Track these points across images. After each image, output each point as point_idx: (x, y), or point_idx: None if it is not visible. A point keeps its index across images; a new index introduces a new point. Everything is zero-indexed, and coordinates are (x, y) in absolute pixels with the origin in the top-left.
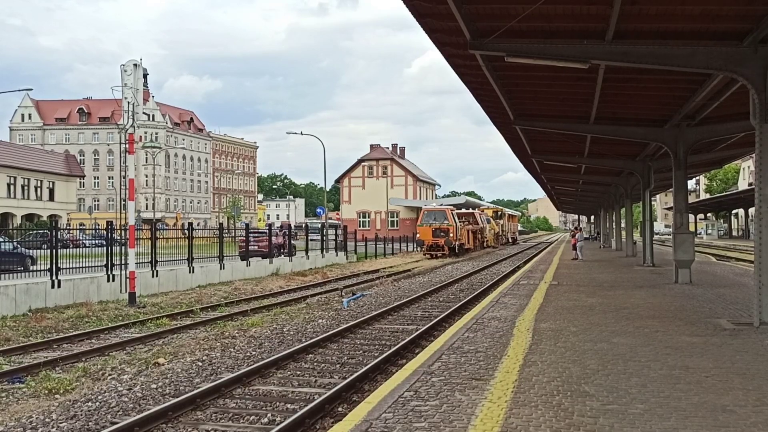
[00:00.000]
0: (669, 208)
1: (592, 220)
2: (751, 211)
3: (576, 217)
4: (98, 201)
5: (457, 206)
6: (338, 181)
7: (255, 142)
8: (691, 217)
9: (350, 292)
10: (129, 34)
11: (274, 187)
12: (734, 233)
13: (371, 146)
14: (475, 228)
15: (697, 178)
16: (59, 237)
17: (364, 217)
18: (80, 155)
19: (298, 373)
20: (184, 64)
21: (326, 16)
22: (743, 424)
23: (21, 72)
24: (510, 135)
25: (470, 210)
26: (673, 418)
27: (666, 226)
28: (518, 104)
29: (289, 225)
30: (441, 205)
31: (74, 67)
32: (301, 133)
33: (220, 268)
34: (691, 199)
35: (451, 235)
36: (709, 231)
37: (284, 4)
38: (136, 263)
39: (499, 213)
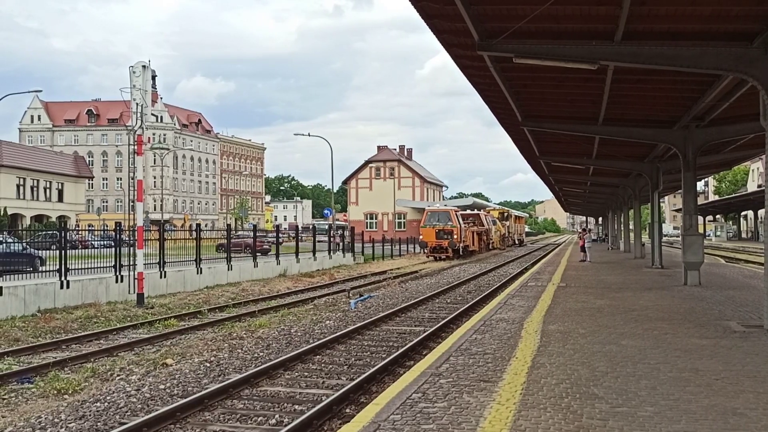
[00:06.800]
0: (678, 210)
1: (600, 222)
2: (761, 212)
3: (584, 218)
4: (107, 202)
5: (464, 207)
6: (345, 182)
7: (262, 144)
8: (700, 218)
9: (357, 293)
10: (140, 36)
11: (281, 188)
12: (743, 235)
13: (378, 147)
14: (480, 229)
15: (706, 179)
16: (68, 238)
17: (371, 218)
18: (89, 156)
19: (306, 374)
20: (196, 65)
21: (341, 17)
22: (754, 427)
23: (34, 74)
24: (518, 136)
25: (475, 211)
26: (683, 420)
27: (674, 228)
28: (526, 105)
29: (297, 226)
30: (446, 206)
31: (89, 69)
32: (309, 135)
33: (228, 269)
34: (700, 200)
35: (455, 236)
36: (718, 233)
37: (297, 6)
38: (145, 264)
39: (506, 214)
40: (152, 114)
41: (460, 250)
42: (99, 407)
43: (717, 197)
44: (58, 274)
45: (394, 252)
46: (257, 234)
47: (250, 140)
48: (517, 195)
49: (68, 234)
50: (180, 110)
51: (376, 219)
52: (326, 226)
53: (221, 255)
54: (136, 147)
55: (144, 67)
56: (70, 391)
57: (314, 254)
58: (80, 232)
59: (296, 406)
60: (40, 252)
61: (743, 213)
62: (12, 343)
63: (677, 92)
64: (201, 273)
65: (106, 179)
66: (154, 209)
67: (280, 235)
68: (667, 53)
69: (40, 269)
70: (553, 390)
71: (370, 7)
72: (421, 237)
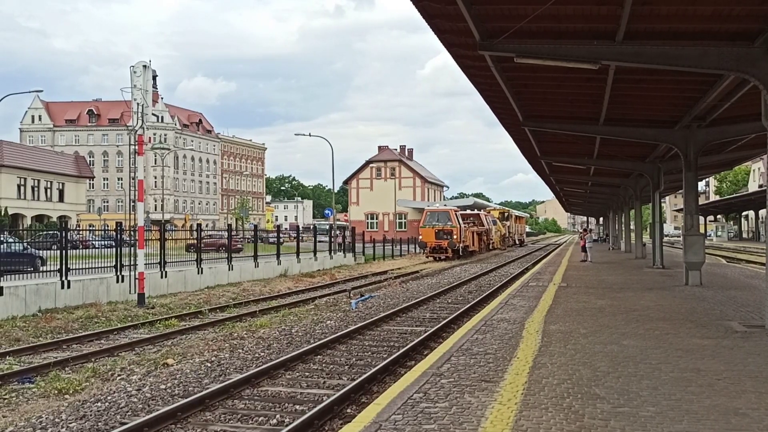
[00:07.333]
0: (678, 210)
1: (600, 222)
2: (762, 212)
3: (585, 218)
4: (107, 202)
5: (464, 207)
6: (346, 182)
7: (263, 144)
8: (701, 218)
9: (358, 293)
10: (141, 36)
11: (282, 188)
12: (744, 235)
13: (379, 148)
14: (480, 230)
15: (707, 179)
16: (69, 238)
17: (372, 218)
18: (90, 156)
19: (307, 374)
20: (197, 65)
21: (342, 17)
22: (756, 427)
23: (35, 74)
24: (519, 136)
25: (475, 211)
26: (685, 421)
27: (675, 228)
28: (527, 105)
29: (297, 227)
30: (445, 206)
31: (90, 69)
32: (309, 135)
33: (229, 269)
34: (701, 200)
35: (455, 236)
36: (719, 233)
37: (299, 6)
38: (145, 264)
39: (506, 214)
40: (153, 114)
41: (460, 250)
42: (100, 407)
43: (718, 197)
44: (58, 274)
45: (394, 252)
46: (231, 233)
47: (250, 140)
48: (518, 195)
49: (69, 234)
50: (181, 110)
51: (376, 219)
52: (327, 227)
53: (192, 257)
54: (136, 147)
55: (145, 67)
56: (71, 391)
57: (315, 254)
58: (81, 232)
59: (297, 406)
60: (40, 252)
61: (744, 213)
62: (13, 343)
63: (678, 92)
64: (202, 273)
65: (107, 179)
66: (155, 209)
67: (281, 235)
68: (669, 53)
69: (41, 269)
70: (555, 390)
71: (372, 7)
72: (420, 237)
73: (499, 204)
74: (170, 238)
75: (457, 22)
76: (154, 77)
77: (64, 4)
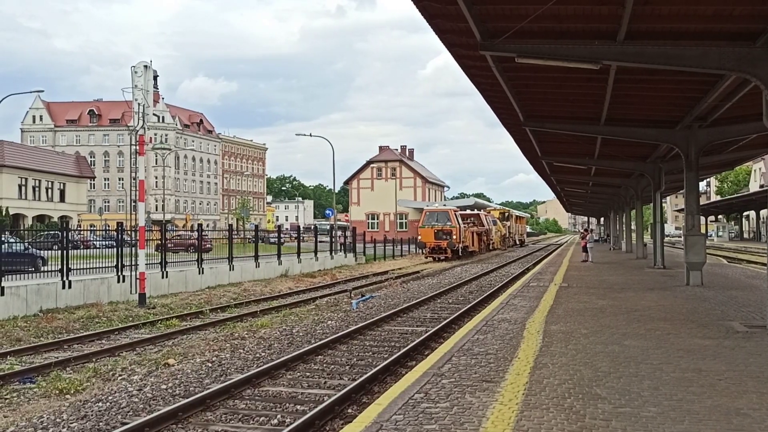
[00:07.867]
0: (679, 210)
1: (601, 222)
2: (763, 212)
3: (585, 218)
4: (108, 202)
5: (464, 208)
6: (347, 182)
7: (264, 144)
8: (702, 219)
9: (359, 293)
10: (142, 36)
11: (283, 188)
12: (745, 235)
13: (380, 148)
14: (480, 230)
15: (708, 179)
16: (70, 238)
17: (373, 218)
18: (91, 156)
19: (308, 374)
20: (198, 66)
21: (343, 17)
22: (758, 427)
23: (36, 74)
24: (520, 136)
25: (475, 211)
26: (686, 421)
27: (676, 228)
28: (528, 105)
29: (298, 227)
30: (445, 206)
31: (91, 69)
32: (311, 135)
33: (230, 269)
34: (702, 200)
35: (455, 237)
36: (720, 233)
37: (300, 6)
38: (146, 264)
39: (506, 214)
40: (154, 114)
41: (459, 250)
42: (101, 407)
43: (719, 197)
44: (60, 274)
45: (395, 252)
46: (202, 233)
47: (251, 140)
48: (518, 195)
49: (70, 234)
50: (182, 110)
51: (377, 219)
52: (328, 227)
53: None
54: (137, 147)
55: (146, 67)
56: (72, 391)
57: (316, 254)
58: (82, 232)
59: (298, 407)
60: (42, 252)
61: (745, 213)
62: (14, 343)
63: (680, 92)
64: (203, 273)
65: (108, 179)
66: (156, 209)
67: (282, 235)
68: (670, 53)
69: (42, 269)
70: (556, 390)
71: (373, 7)
72: (419, 237)
73: (500, 204)
74: (170, 238)
75: (458, 22)
76: (155, 77)
77: (65, 4)
